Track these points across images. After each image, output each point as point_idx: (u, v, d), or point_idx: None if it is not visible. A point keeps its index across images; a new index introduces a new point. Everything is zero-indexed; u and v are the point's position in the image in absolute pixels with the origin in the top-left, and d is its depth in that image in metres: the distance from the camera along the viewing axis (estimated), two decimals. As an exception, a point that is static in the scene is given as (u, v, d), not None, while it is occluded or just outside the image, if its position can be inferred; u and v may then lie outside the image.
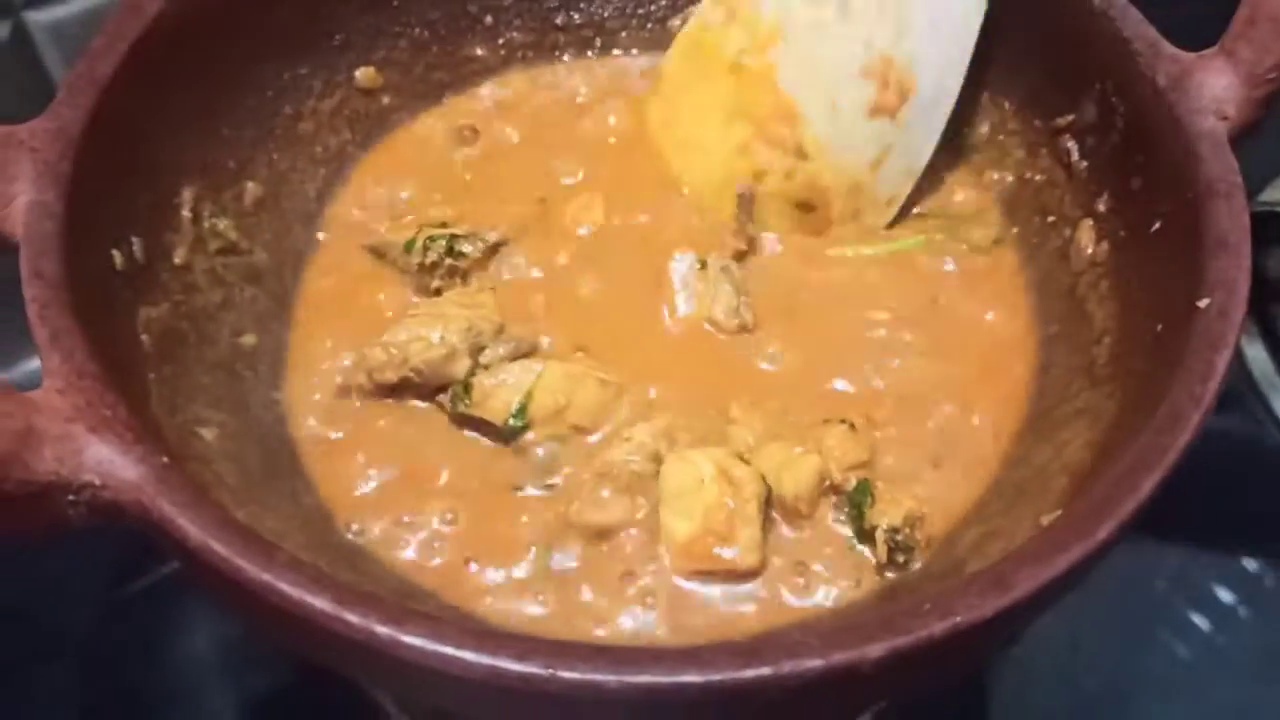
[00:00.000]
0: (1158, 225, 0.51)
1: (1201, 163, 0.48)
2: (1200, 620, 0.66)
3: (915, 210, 0.63)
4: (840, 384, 0.56)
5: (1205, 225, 0.47)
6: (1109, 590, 0.66)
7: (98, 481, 0.39)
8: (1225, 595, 0.67)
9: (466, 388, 0.54)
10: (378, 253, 0.61)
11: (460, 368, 0.54)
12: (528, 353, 0.56)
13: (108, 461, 0.39)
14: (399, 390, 0.55)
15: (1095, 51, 0.55)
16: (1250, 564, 0.68)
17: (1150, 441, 0.41)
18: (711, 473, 0.50)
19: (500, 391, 0.53)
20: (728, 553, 0.49)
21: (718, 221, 0.62)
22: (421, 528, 0.51)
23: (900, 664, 0.36)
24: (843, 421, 0.53)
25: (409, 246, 0.59)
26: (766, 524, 0.50)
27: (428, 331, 0.54)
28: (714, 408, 0.55)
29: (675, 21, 0.70)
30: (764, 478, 0.51)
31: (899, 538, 0.49)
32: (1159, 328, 0.48)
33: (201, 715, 0.65)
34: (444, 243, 0.59)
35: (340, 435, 0.55)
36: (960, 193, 0.63)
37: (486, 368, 0.55)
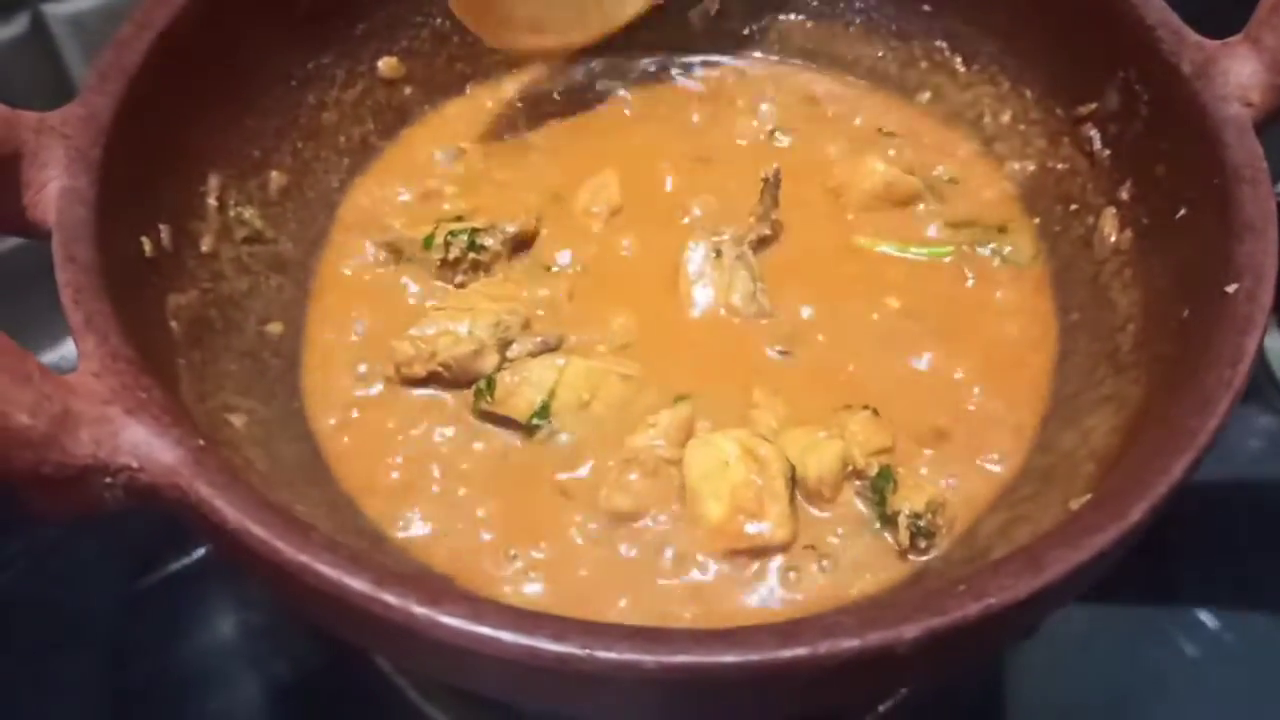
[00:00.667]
0: (1183, 212, 0.51)
1: (1227, 149, 0.48)
2: (1208, 619, 0.66)
3: (948, 219, 0.62)
4: (861, 369, 0.56)
5: (1232, 211, 0.47)
6: (1118, 586, 0.66)
7: (135, 464, 0.39)
8: (1235, 592, 0.67)
9: (490, 385, 0.54)
10: (395, 249, 0.61)
11: (488, 363, 0.54)
12: (555, 346, 0.56)
13: (145, 444, 0.39)
14: (424, 382, 0.55)
15: (1118, 39, 0.55)
16: (1260, 560, 0.68)
17: (1181, 424, 0.41)
18: (736, 453, 0.50)
19: (523, 389, 0.53)
20: (759, 528, 0.49)
21: (741, 206, 0.61)
22: (442, 516, 0.51)
23: (934, 645, 0.36)
24: (865, 407, 0.53)
25: (428, 243, 0.59)
26: (793, 500, 0.50)
27: (455, 325, 0.54)
28: (737, 394, 0.55)
29: (693, 13, 0.70)
30: (787, 458, 0.51)
31: (921, 523, 0.50)
32: (1185, 313, 0.48)
33: (222, 703, 0.65)
34: (466, 237, 0.59)
35: (362, 423, 0.55)
36: (987, 191, 0.63)
37: (513, 362, 0.55)
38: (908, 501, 0.50)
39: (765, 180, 0.60)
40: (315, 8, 0.61)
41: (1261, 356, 0.74)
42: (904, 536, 0.50)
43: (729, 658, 0.35)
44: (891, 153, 0.64)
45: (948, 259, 0.60)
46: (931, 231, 0.62)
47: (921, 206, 0.62)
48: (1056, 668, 0.65)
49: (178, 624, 0.67)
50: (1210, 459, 0.41)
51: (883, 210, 0.62)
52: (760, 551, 0.49)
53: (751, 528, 0.49)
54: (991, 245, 0.61)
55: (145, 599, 0.68)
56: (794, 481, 0.51)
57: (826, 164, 0.64)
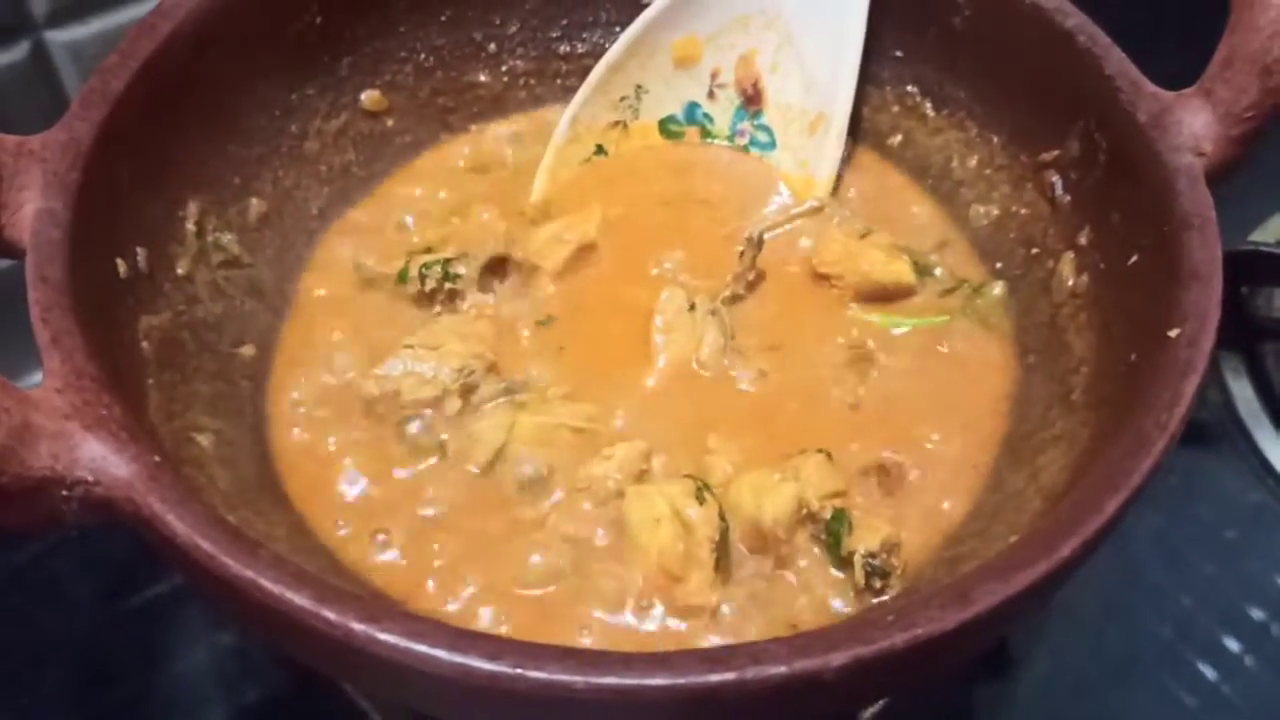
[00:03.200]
0: (1135, 258, 0.52)
1: (1177, 197, 0.49)
2: (1207, 669, 0.66)
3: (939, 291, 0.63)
4: (822, 412, 0.57)
5: (1179, 258, 0.48)
6: (1115, 638, 0.66)
7: (91, 478, 0.40)
8: (1232, 644, 0.67)
9: (442, 449, 0.55)
10: (369, 283, 0.62)
11: (449, 409, 0.55)
12: (519, 389, 0.57)
13: (101, 459, 0.40)
14: (385, 417, 0.56)
15: (1080, 88, 0.56)
16: (1257, 613, 0.68)
17: (1116, 464, 0.42)
18: (667, 512, 0.51)
19: (474, 451, 0.54)
20: (680, 592, 0.50)
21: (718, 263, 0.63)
22: (397, 541, 0.52)
23: (862, 673, 0.37)
24: (819, 451, 0.54)
25: (402, 276, 0.60)
26: (723, 562, 0.51)
27: (421, 367, 0.55)
28: (694, 438, 0.56)
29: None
30: (723, 515, 0.51)
31: (875, 562, 0.50)
32: (1133, 357, 0.49)
33: (197, 725, 0.66)
34: (440, 268, 0.60)
35: (323, 449, 0.55)
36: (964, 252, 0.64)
37: (466, 414, 0.56)
38: (863, 542, 0.51)
39: (748, 240, 0.61)
40: (302, 41, 0.62)
41: (1229, 402, 0.75)
42: (859, 575, 0.50)
43: (657, 680, 0.36)
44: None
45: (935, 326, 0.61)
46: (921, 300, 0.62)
47: (917, 298, 0.62)
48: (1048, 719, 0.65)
49: (154, 647, 0.67)
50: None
51: (879, 300, 0.62)
52: (682, 610, 0.50)
53: (673, 591, 0.50)
54: (968, 304, 0.61)
55: (121, 621, 0.68)
56: (722, 544, 0.51)
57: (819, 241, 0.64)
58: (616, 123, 0.70)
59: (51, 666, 0.67)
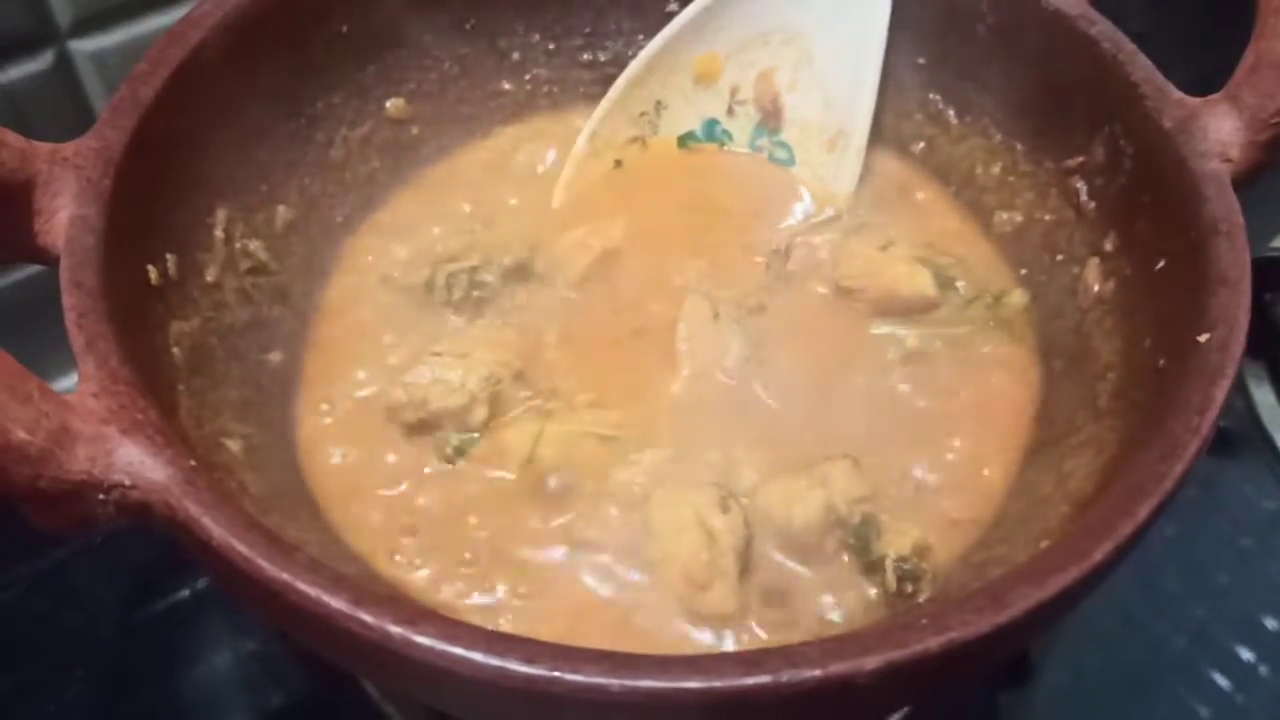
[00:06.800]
0: (1162, 264, 0.52)
1: (1205, 203, 0.49)
2: (1221, 679, 0.66)
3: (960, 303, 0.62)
4: (847, 421, 0.57)
5: (1207, 263, 0.48)
6: (1131, 647, 0.66)
7: (127, 481, 0.40)
8: (1246, 654, 0.67)
9: (469, 455, 0.55)
10: (398, 293, 0.62)
11: (477, 417, 0.56)
12: (546, 397, 0.57)
13: (138, 462, 0.40)
14: (414, 428, 0.56)
15: (1105, 95, 0.56)
16: (1271, 622, 0.68)
17: (1149, 469, 0.42)
18: (692, 520, 0.51)
19: (502, 459, 0.55)
20: (703, 599, 0.50)
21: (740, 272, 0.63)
22: (427, 548, 0.52)
23: (896, 677, 0.37)
24: (846, 457, 0.54)
25: (429, 285, 0.61)
26: (747, 570, 0.51)
27: (449, 375, 0.56)
28: (720, 446, 0.56)
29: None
30: (747, 523, 0.51)
31: (907, 566, 0.50)
32: (1161, 362, 0.49)
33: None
34: (466, 277, 0.60)
35: (348, 454, 0.56)
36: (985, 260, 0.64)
37: (504, 416, 0.56)
38: (893, 546, 0.51)
39: (774, 252, 0.62)
40: (328, 50, 0.63)
41: (1251, 409, 0.75)
42: (891, 580, 0.50)
43: (691, 683, 0.36)
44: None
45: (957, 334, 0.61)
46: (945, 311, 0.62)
47: (941, 310, 0.62)
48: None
49: (177, 652, 0.68)
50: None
51: (902, 312, 0.62)
52: (705, 618, 0.50)
53: (696, 598, 0.50)
54: (990, 314, 0.61)
55: (143, 628, 0.69)
56: (746, 552, 0.51)
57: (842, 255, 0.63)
58: (636, 138, 0.70)
59: (75, 672, 0.67)
